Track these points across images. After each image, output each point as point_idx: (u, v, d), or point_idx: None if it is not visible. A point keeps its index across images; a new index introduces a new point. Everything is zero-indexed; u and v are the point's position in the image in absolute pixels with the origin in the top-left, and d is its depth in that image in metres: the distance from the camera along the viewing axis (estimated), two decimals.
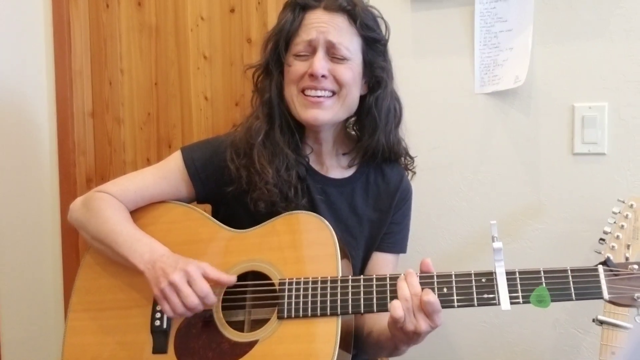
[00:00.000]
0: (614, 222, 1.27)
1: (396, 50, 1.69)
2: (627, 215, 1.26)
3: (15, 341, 2.01)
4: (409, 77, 1.70)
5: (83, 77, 2.13)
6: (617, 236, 1.25)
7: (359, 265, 1.36)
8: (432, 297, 1.05)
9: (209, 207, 1.41)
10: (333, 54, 1.24)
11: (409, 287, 1.07)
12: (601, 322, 1.24)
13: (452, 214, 1.68)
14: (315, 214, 1.24)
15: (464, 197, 1.66)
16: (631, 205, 1.27)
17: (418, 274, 1.10)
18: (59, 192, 2.13)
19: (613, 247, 1.25)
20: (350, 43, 1.26)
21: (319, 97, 1.25)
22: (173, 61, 2.03)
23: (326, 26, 1.24)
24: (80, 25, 2.12)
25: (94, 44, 2.13)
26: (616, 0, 1.46)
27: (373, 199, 1.36)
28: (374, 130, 1.32)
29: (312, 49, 1.24)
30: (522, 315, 1.61)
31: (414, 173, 1.43)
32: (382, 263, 1.37)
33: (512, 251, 1.58)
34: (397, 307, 1.05)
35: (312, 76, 1.23)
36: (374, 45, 1.30)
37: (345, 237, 1.31)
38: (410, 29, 1.68)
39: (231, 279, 1.19)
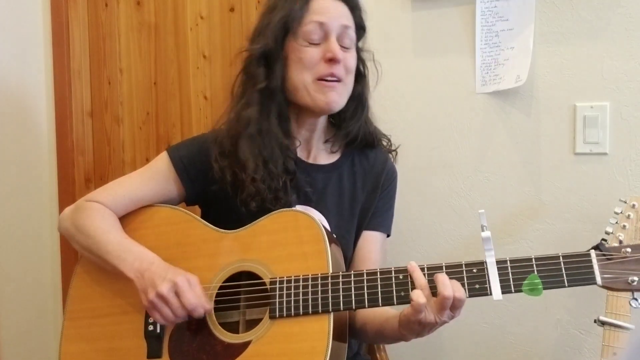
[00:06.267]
0: (616, 223, 1.26)
1: (396, 49, 1.70)
2: (629, 215, 1.25)
3: (14, 343, 2.00)
4: (409, 76, 1.69)
5: (82, 76, 2.12)
6: (619, 236, 1.24)
7: (352, 247, 1.36)
8: (462, 294, 1.05)
9: (198, 209, 1.40)
10: (341, 41, 1.24)
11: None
12: (603, 323, 1.23)
13: (452, 214, 1.67)
14: (302, 210, 1.22)
15: (464, 197, 1.65)
16: (633, 206, 1.26)
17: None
18: (57, 192, 2.12)
19: None
20: (352, 31, 1.27)
21: (335, 81, 1.24)
22: (172, 60, 2.02)
23: (336, 12, 1.23)
24: (79, 24, 2.11)
25: (93, 43, 2.12)
26: None
27: (360, 181, 1.36)
28: (359, 117, 1.34)
29: (325, 35, 1.23)
30: (523, 315, 1.60)
31: (396, 152, 1.44)
32: (371, 241, 1.37)
33: (513, 251, 1.58)
34: (419, 295, 1.04)
35: (332, 61, 1.22)
36: (362, 34, 1.32)
37: (337, 221, 1.31)
38: (411, 28, 1.67)
39: (207, 306, 1.17)
